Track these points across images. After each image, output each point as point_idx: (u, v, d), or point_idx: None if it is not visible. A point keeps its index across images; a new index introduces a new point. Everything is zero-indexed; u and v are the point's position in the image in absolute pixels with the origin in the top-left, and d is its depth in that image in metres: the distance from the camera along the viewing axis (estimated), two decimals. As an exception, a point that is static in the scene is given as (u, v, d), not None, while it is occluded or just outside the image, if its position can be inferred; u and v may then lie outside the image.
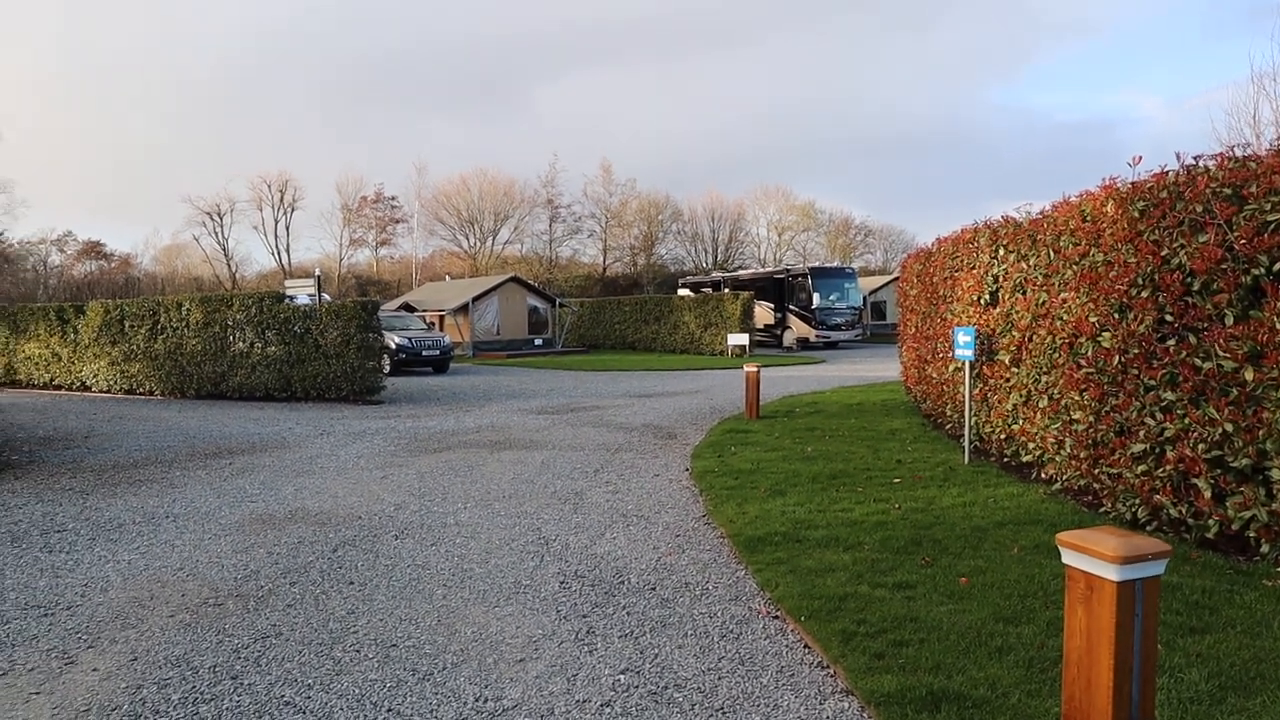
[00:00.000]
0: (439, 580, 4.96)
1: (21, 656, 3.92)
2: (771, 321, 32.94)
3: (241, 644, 4.02)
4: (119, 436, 11.47)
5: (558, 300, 34.64)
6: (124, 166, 78.06)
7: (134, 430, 12.08)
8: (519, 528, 6.16)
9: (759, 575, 4.87)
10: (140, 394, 17.62)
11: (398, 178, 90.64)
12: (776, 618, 4.29)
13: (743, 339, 26.76)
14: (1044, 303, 6.51)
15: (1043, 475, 6.73)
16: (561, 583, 4.90)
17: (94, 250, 59.60)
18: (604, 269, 59.78)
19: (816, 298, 31.01)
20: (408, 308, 30.75)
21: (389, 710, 3.34)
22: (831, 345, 31.50)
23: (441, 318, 30.16)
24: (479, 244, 58.36)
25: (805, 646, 3.92)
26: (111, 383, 18.12)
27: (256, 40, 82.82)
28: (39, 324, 19.85)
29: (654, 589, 4.77)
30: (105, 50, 76.37)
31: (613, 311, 33.99)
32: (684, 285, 39.44)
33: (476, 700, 3.42)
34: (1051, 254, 6.43)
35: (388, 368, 18.43)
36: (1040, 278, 6.61)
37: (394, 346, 20.67)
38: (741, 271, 43.25)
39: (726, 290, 32.51)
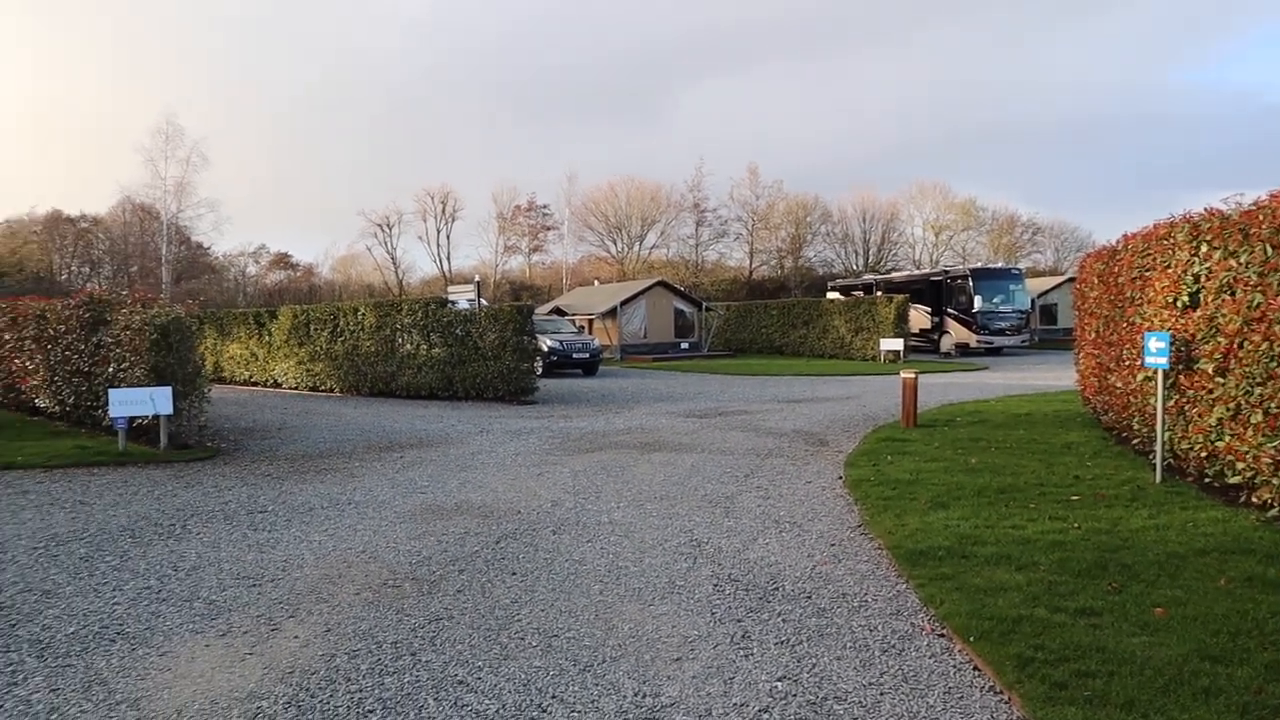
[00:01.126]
0: (595, 576, 5.09)
1: (237, 620, 4.39)
2: (928, 326, 31.44)
3: (418, 624, 4.30)
4: (306, 429, 12.60)
5: (704, 304, 34.72)
6: (309, 185, 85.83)
7: (318, 424, 13.23)
8: (671, 529, 6.21)
9: (921, 590, 4.65)
10: (322, 391, 19.26)
11: (549, 187, 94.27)
12: (942, 635, 4.08)
13: (896, 344, 25.71)
14: (1258, 305, 5.80)
15: (1254, 499, 5.99)
16: (715, 585, 4.90)
17: (282, 261, 65.93)
18: (750, 272, 59.32)
19: (978, 300, 29.26)
20: (559, 312, 31.86)
21: (553, 697, 3.46)
22: (994, 351, 29.64)
23: (590, 321, 31.01)
24: (626, 249, 59.56)
25: (975, 669, 3.71)
26: (298, 380, 19.92)
27: (424, 71, 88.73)
28: (240, 327, 22.17)
29: (809, 597, 4.67)
30: (296, 83, 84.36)
31: (759, 315, 33.67)
32: (833, 288, 38.44)
33: (635, 695, 3.48)
34: (1269, 250, 5.73)
35: (540, 369, 19.17)
36: (1254, 277, 5.90)
37: (546, 349, 21.46)
38: (895, 274, 41.55)
39: (879, 293, 31.38)
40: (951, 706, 3.36)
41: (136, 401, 10.25)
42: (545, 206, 62.94)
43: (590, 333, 29.13)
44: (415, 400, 16.91)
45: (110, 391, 10.37)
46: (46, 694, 3.56)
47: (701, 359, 29.94)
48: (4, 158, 70.01)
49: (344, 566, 5.36)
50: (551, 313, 31.24)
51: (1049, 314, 38.37)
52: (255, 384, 21.56)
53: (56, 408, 13.31)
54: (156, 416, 10.39)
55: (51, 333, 13.10)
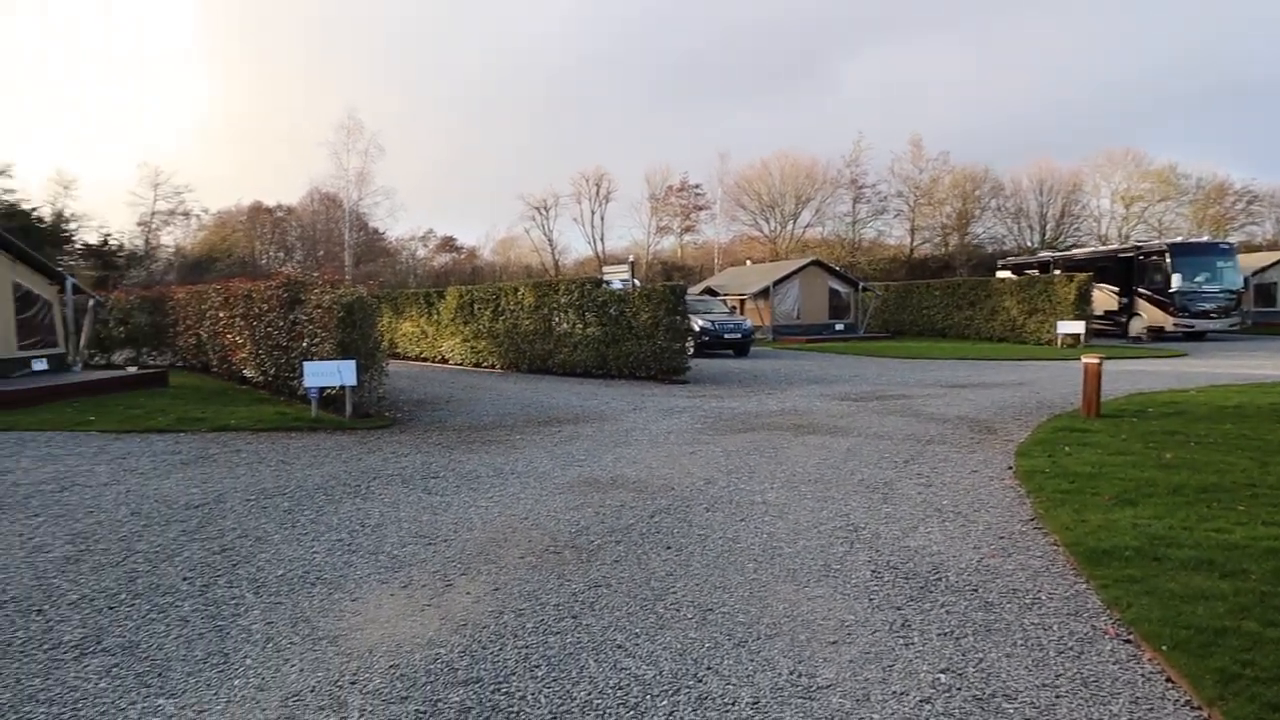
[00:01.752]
0: (749, 555, 5.09)
1: (416, 575, 4.77)
2: (1114, 307, 28.69)
3: (579, 589, 4.49)
4: (471, 403, 13.38)
5: (860, 284, 33.54)
6: (472, 171, 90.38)
7: (482, 398, 14.01)
8: (826, 512, 6.10)
9: (1105, 592, 4.30)
10: (485, 367, 20.34)
11: (701, 166, 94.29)
12: (1128, 641, 3.77)
13: (1076, 327, 23.69)
14: None
15: None
16: (873, 571, 4.77)
17: (448, 244, 69.99)
18: (911, 250, 56.59)
19: (1177, 279, 26.28)
20: (710, 292, 31.85)
21: (708, 668, 3.51)
22: (1195, 336, 26.59)
23: (742, 301, 30.78)
24: (779, 228, 58.51)
25: (1168, 680, 3.40)
26: (463, 357, 21.15)
27: (581, 57, 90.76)
28: (412, 306, 23.80)
29: (975, 591, 4.45)
30: (462, 74, 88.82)
31: (920, 295, 32.11)
32: (1004, 266, 35.89)
33: (790, 674, 3.47)
34: None
35: (691, 349, 19.29)
36: None
37: (698, 329, 21.54)
38: (1076, 250, 38.10)
39: (1057, 272, 28.97)
40: (1139, 718, 3.10)
41: (326, 373, 11.27)
42: (697, 186, 62.99)
43: (742, 313, 28.94)
44: (571, 377, 17.50)
45: (305, 364, 11.47)
46: (263, 625, 4.04)
47: (857, 340, 28.99)
48: (219, 159, 78.63)
49: (509, 531, 5.68)
50: (703, 293, 31.29)
51: (1266, 295, 33.92)
52: (425, 359, 23.10)
53: (260, 377, 14.91)
54: (343, 387, 11.38)
55: (256, 311, 14.65)
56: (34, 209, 42.09)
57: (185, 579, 4.77)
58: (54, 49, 73.58)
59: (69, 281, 17.36)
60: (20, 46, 71.54)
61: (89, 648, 3.83)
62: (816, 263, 32.75)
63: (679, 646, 3.73)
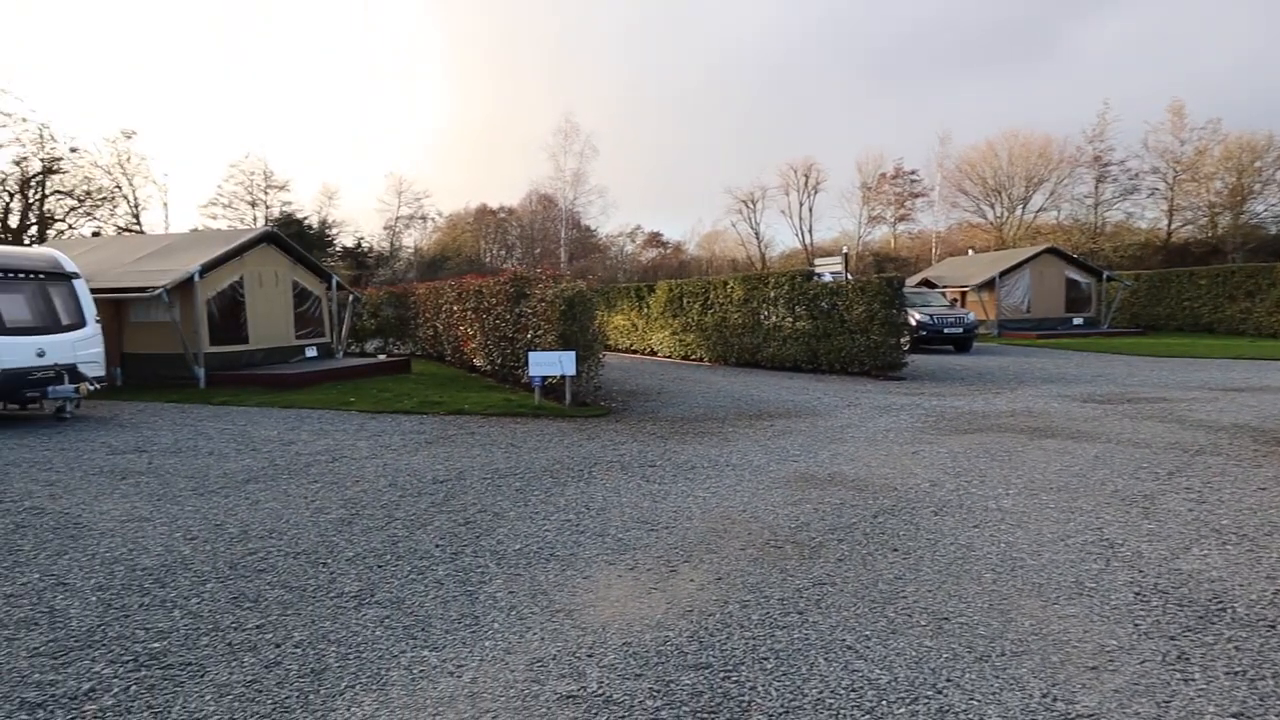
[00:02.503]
0: (986, 564, 4.74)
1: (640, 559, 4.93)
2: None
3: (803, 585, 4.41)
4: (682, 395, 13.62)
5: (1104, 273, 30.09)
6: (679, 167, 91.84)
7: (692, 390, 14.21)
8: (1073, 524, 5.53)
9: None
10: (692, 360, 20.63)
11: (918, 151, 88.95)
12: None
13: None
14: None
15: None
16: (1136, 594, 4.25)
17: (654, 240, 71.70)
18: (1168, 234, 49.77)
19: None
20: (927, 284, 30.07)
21: (948, 680, 3.30)
22: None
23: (963, 294, 28.78)
24: (1006, 213, 53.92)
25: None
26: (672, 349, 21.59)
27: (786, 46, 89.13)
28: (623, 300, 24.67)
29: (1274, 627, 3.82)
30: (665, 75, 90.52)
31: (1180, 285, 28.24)
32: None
33: (1044, 696, 3.18)
34: None
35: (906, 345, 18.34)
36: None
37: (914, 323, 20.44)
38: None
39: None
40: None
41: (548, 363, 11.98)
42: (913, 173, 59.68)
43: (963, 306, 27.06)
44: (780, 372, 17.29)
45: (529, 355, 12.27)
46: (506, 594, 4.36)
47: (1100, 336, 26.08)
48: (452, 166, 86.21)
49: (727, 523, 5.70)
50: (920, 285, 29.62)
51: None
52: (634, 352, 23.88)
53: (488, 366, 16.17)
54: (563, 376, 12.04)
55: (486, 305, 15.90)
56: (305, 217, 48.62)
57: (437, 546, 5.27)
58: (316, 70, 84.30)
59: (334, 280, 19.84)
60: (286, 66, 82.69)
61: (365, 599, 4.35)
62: (1052, 250, 29.81)
63: (914, 654, 3.55)
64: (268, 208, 50.13)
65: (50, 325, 11.68)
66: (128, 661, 3.66)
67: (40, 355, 11.29)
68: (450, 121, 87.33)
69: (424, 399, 12.92)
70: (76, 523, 6.01)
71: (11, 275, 11.52)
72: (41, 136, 36.73)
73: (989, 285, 28.09)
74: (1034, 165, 52.28)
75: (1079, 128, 58.19)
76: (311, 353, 18.58)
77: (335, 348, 19.70)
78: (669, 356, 21.80)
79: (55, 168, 37.80)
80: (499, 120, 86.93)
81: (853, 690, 3.23)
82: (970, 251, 40.84)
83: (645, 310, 23.04)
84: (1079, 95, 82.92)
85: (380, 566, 4.88)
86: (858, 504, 6.13)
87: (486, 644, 3.74)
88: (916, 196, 60.07)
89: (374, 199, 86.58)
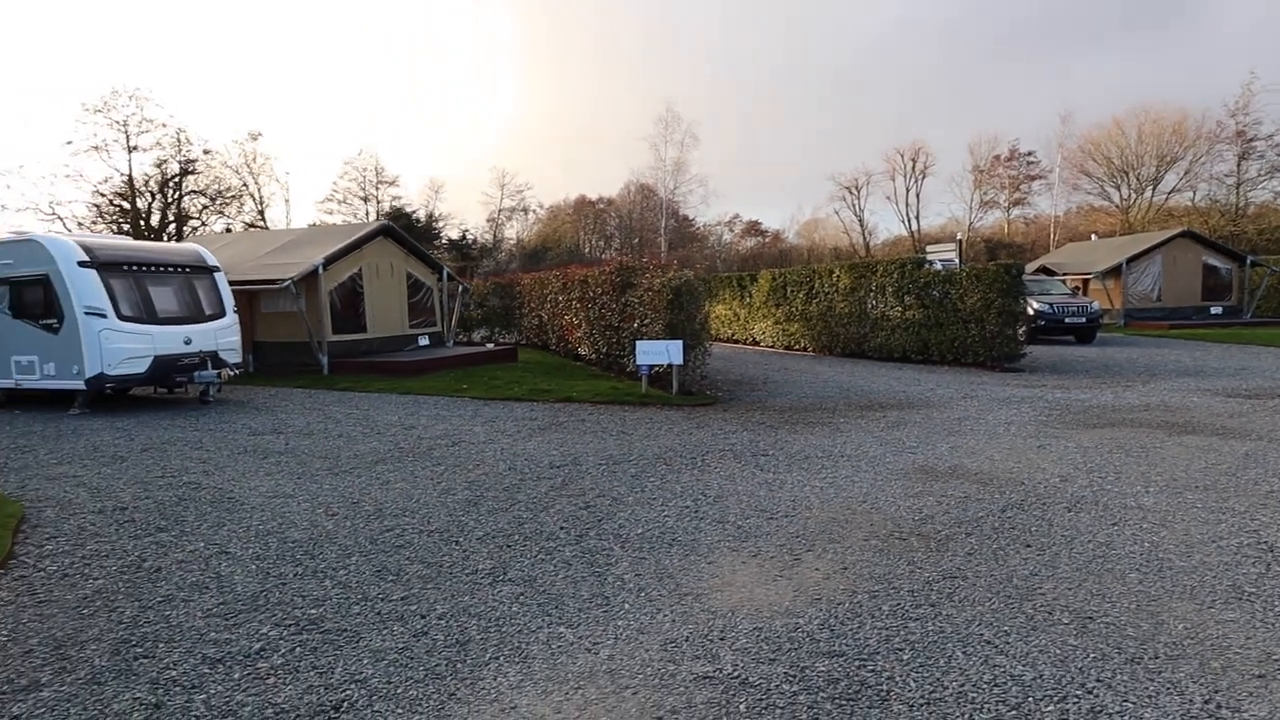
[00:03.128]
0: (1130, 564, 4.51)
1: (763, 546, 4.95)
2: None
3: (932, 578, 4.32)
4: (787, 385, 13.47)
5: (1247, 258, 27.77)
6: (779, 154, 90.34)
7: (798, 380, 14.03)
8: (1225, 525, 5.19)
9: None
10: (795, 350, 20.34)
11: (1035, 132, 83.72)
12: None
13: None
14: None
15: None
16: (1305, 600, 3.96)
17: (753, 228, 70.89)
18: (1322, 215, 45.43)
19: None
20: (1045, 271, 28.56)
21: (1098, 681, 3.18)
22: None
23: (1085, 281, 27.17)
24: (1134, 195, 50.49)
25: None
26: (774, 339, 21.34)
27: (896, 25, 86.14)
28: (724, 290, 24.53)
29: None
30: (769, 59, 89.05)
31: (1334, 272, 25.77)
32: None
33: (1205, 703, 3.02)
34: None
35: (1023, 335, 17.51)
36: None
37: (1032, 312, 19.49)
38: None
39: None
40: None
41: (655, 352, 12.08)
42: (1030, 154, 56.58)
43: (1085, 294, 25.58)
44: (887, 362, 16.85)
45: (636, 343, 12.40)
46: (633, 576, 4.47)
47: (1242, 326, 24.12)
48: (551, 158, 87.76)
49: (847, 513, 5.64)
50: (1037, 272, 28.16)
51: None
52: (736, 341, 23.73)
53: (592, 355, 16.45)
54: (670, 365, 12.12)
55: (591, 294, 16.15)
56: (413, 211, 50.57)
57: (561, 528, 5.44)
58: (424, 68, 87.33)
59: (444, 271, 20.59)
60: (395, 64, 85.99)
61: (499, 576, 4.54)
62: (1187, 234, 27.71)
63: (1057, 652, 3.43)
64: (379, 202, 52.48)
65: (195, 315, 12.63)
66: (290, 625, 3.96)
67: (187, 343, 12.24)
68: (549, 113, 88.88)
69: (533, 386, 13.28)
70: (230, 497, 6.51)
71: (162, 269, 12.51)
72: (179, 140, 39.61)
73: (1115, 272, 26.42)
74: (1166, 143, 48.61)
75: (1219, 101, 53.72)
76: (424, 341, 19.38)
77: (445, 336, 20.47)
78: (771, 346, 21.58)
79: (191, 169, 40.71)
80: (597, 111, 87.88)
81: (996, 685, 3.15)
82: (1093, 236, 38.48)
83: (747, 299, 22.86)
84: (1220, 65, 76.52)
85: (509, 546, 5.08)
86: (983, 498, 5.93)
87: (619, 623, 3.85)
88: (1033, 179, 56.99)
89: (477, 192, 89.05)
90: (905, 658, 3.40)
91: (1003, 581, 4.26)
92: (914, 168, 59.77)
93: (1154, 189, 49.74)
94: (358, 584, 4.49)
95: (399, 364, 16.05)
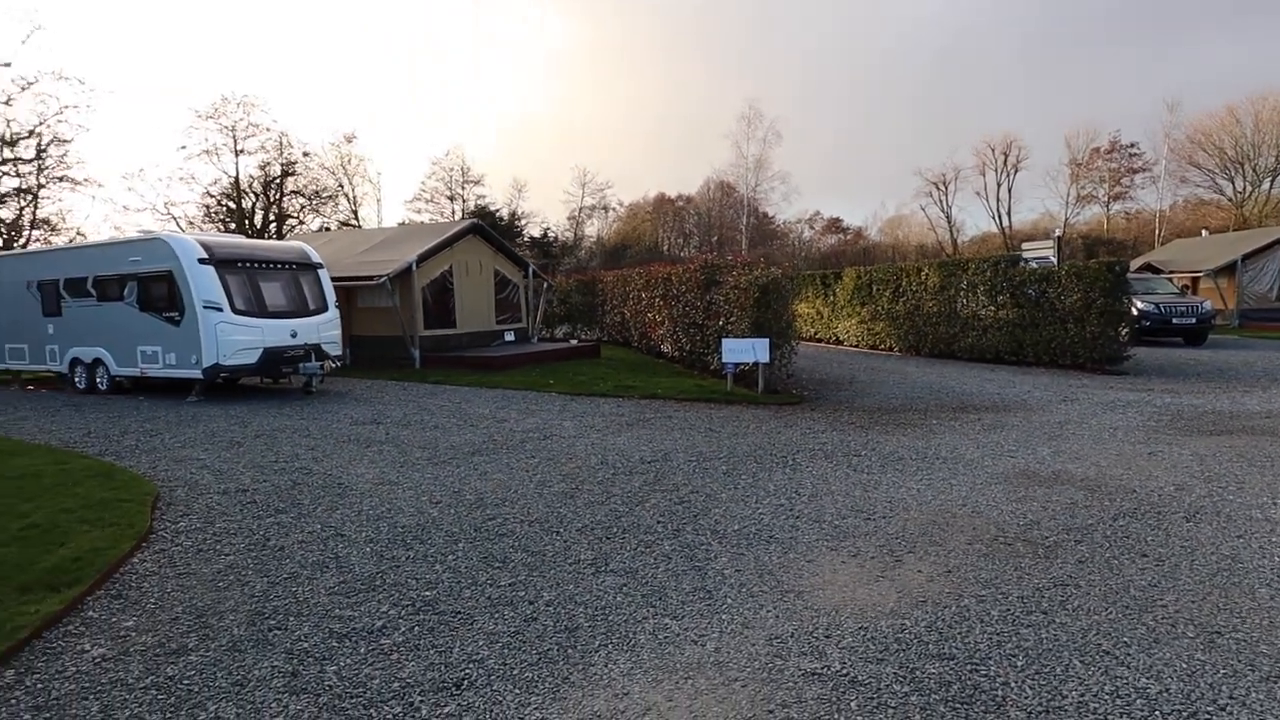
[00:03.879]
0: (1259, 579, 4.29)
1: (862, 546, 4.92)
2: None
3: (1042, 585, 4.22)
4: (875, 385, 13.24)
5: (1378, 256, 25.69)
6: (861, 151, 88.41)
7: (885, 380, 13.77)
8: (1364, 541, 4.87)
9: None
10: (881, 350, 19.92)
11: (1139, 122, 79.35)
12: None
13: None
14: None
15: None
16: None
17: (834, 226, 69.57)
18: None
19: None
20: (1150, 269, 27.11)
21: (1230, 698, 3.06)
22: None
23: (1195, 280, 25.68)
24: (1251, 188, 47.33)
25: None
26: (859, 338, 20.96)
27: (990, 13, 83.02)
28: (807, 288, 24.21)
29: None
30: (844, 53, 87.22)
31: None
32: None
33: (1350, 728, 2.87)
34: None
35: (1126, 336, 16.69)
36: None
37: (1136, 313, 18.54)
38: None
39: None
40: None
41: (741, 350, 12.06)
42: (1133, 145, 53.65)
43: (1195, 293, 24.18)
44: (978, 363, 16.34)
45: (723, 341, 12.41)
46: (733, 572, 4.52)
47: (1370, 330, 22.37)
48: (632, 157, 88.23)
49: (947, 516, 5.54)
50: (1141, 269, 26.78)
51: None
52: (819, 340, 23.40)
53: (675, 352, 16.51)
54: (755, 363, 12.08)
55: (674, 292, 16.21)
56: (496, 209, 51.68)
57: (658, 522, 5.53)
58: (502, 62, 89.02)
59: (530, 268, 21.02)
60: (473, 59, 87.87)
61: (601, 567, 4.66)
62: (1307, 230, 25.89)
63: (1184, 666, 3.31)
64: (464, 201, 53.83)
65: (300, 309, 13.29)
66: (407, 605, 4.17)
67: (293, 336, 12.89)
68: (629, 111, 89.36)
69: (618, 383, 13.44)
70: (339, 483, 6.86)
71: (271, 266, 13.21)
72: (281, 144, 41.64)
73: (1228, 270, 24.86)
74: (1286, 131, 45.40)
75: (1346, 85, 49.74)
76: (509, 337, 19.85)
77: (530, 332, 20.90)
78: (855, 346, 21.21)
79: (291, 170, 42.73)
80: (677, 109, 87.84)
81: (1118, 696, 3.07)
82: (1204, 232, 36.29)
83: (831, 298, 22.51)
84: (1346, 48, 70.82)
85: (609, 538, 5.20)
86: (1092, 505, 5.73)
87: (723, 617, 3.91)
88: (1136, 172, 54.03)
89: (559, 190, 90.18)
90: (1019, 664, 3.35)
91: (1119, 591, 4.12)
92: (1005, 162, 57.55)
93: (1273, 181, 46.47)
94: (466, 569, 4.69)
95: (487, 359, 16.50)
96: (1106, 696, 3.07)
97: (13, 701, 3.30)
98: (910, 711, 3.01)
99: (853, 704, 3.07)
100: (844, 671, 3.32)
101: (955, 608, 3.93)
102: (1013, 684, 3.18)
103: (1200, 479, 6.42)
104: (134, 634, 3.91)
